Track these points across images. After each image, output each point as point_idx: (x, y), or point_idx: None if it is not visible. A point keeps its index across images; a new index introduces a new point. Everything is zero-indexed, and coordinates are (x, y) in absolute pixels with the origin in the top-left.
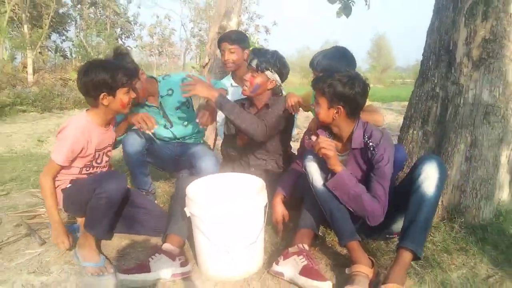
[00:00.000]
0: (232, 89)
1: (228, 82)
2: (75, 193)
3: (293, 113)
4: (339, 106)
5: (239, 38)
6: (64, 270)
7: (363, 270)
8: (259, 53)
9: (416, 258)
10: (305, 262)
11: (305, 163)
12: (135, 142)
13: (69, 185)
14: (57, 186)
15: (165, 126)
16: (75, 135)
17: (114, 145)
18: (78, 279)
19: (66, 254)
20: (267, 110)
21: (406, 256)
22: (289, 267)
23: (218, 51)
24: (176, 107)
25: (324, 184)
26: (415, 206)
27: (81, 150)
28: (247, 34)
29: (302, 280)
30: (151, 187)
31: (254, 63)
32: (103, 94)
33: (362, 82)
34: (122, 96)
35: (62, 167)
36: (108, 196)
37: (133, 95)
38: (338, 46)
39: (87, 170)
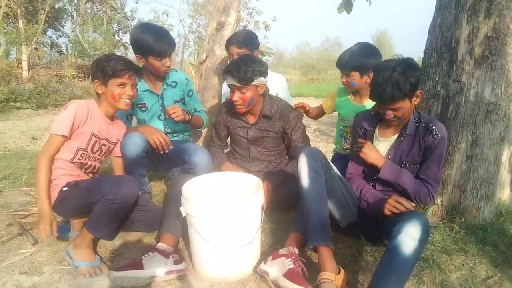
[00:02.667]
0: None
1: None
2: (76, 194)
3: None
4: (418, 92)
5: (247, 40)
6: (57, 271)
7: (328, 276)
8: (235, 68)
9: None
10: (291, 266)
11: (299, 162)
12: (134, 147)
13: (66, 188)
14: (52, 183)
15: (159, 117)
16: (79, 107)
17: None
18: (71, 279)
19: (59, 254)
20: (270, 121)
21: None
22: (275, 268)
23: (216, 47)
24: (175, 100)
25: (311, 185)
26: (391, 264)
27: (78, 126)
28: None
29: (285, 283)
30: (147, 186)
31: (235, 81)
32: (95, 81)
33: (408, 59)
34: (113, 88)
35: (61, 145)
36: (122, 201)
37: (129, 91)
38: (361, 42)
39: (80, 159)
